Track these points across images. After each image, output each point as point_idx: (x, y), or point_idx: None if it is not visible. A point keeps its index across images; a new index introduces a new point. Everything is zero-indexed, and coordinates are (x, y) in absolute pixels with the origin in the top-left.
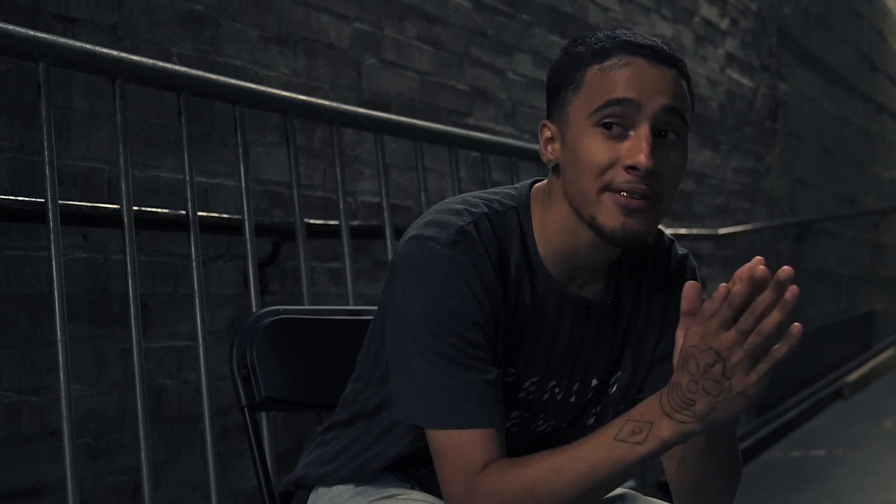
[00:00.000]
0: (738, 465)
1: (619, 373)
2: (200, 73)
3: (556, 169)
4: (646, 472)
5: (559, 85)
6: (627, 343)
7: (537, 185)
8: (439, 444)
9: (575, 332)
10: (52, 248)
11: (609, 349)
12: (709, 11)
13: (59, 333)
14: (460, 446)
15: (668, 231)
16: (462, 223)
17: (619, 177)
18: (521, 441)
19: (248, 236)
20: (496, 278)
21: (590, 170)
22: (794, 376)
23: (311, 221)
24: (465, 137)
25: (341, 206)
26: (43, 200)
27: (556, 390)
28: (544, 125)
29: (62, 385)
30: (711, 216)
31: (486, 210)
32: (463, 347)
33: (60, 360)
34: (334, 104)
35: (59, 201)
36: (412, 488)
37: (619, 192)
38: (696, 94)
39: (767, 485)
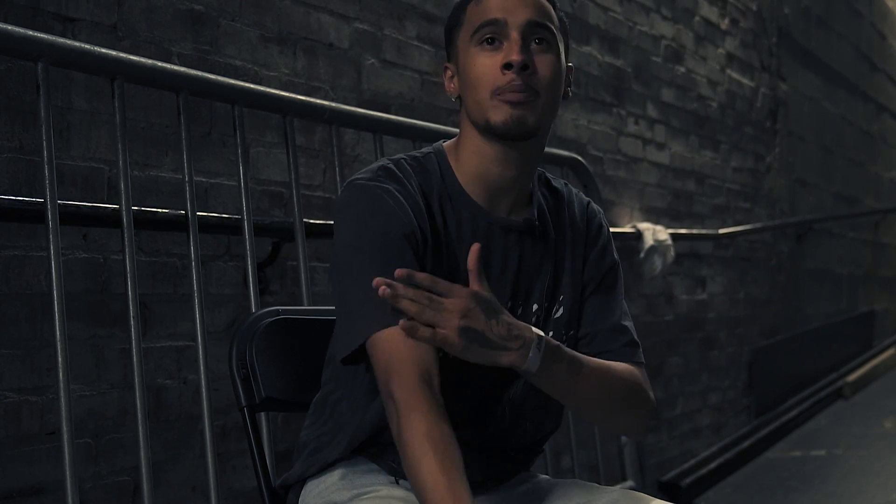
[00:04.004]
0: (615, 393)
1: (562, 296)
2: (200, 73)
3: (460, 102)
4: (645, 473)
5: (450, 29)
6: (561, 267)
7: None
8: (373, 352)
9: (510, 256)
10: (52, 248)
11: (545, 272)
12: (709, 11)
13: (58, 333)
14: (390, 343)
15: (669, 231)
16: (383, 163)
17: (500, 79)
18: (477, 374)
19: (247, 236)
20: (421, 203)
21: (479, 80)
22: (795, 376)
23: (311, 221)
24: None
25: None
26: (42, 200)
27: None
28: (446, 67)
29: (61, 385)
30: (711, 216)
31: (405, 156)
32: (389, 259)
33: (60, 360)
34: (334, 104)
35: (59, 201)
36: (397, 482)
37: (502, 93)
38: (695, 92)
39: (767, 485)
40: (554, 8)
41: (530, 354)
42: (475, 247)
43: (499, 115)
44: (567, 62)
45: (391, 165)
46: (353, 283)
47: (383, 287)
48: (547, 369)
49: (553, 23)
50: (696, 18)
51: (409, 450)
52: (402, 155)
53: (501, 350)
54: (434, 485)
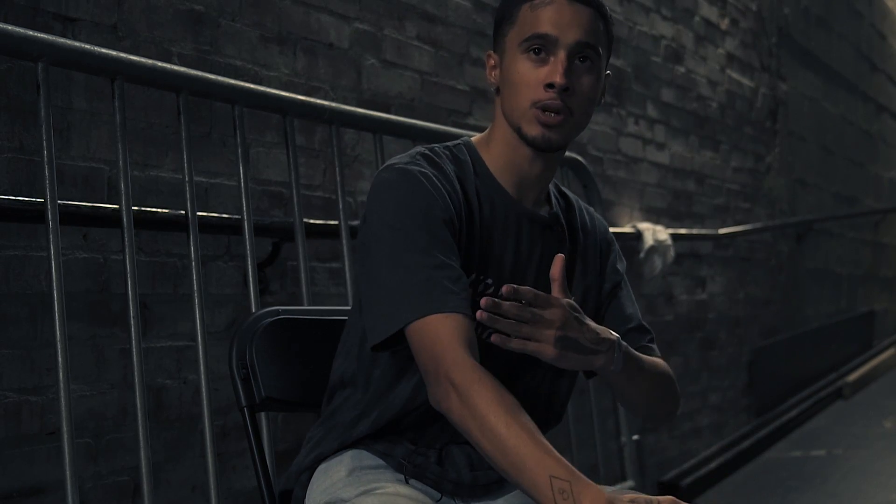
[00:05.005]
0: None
1: (572, 296)
2: (200, 73)
3: (498, 92)
4: (645, 473)
5: (501, 20)
6: (571, 268)
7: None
8: (417, 338)
9: (535, 247)
10: (52, 248)
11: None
12: (709, 11)
13: (58, 333)
14: (436, 329)
15: (669, 231)
16: (420, 149)
17: (541, 94)
18: (495, 356)
19: (247, 236)
20: (457, 187)
21: (519, 89)
22: (794, 376)
23: (311, 221)
24: None
25: (340, 206)
26: (42, 200)
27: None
28: (489, 55)
29: (61, 385)
30: (711, 216)
31: (438, 146)
32: (431, 242)
33: (60, 360)
34: (334, 104)
35: (59, 201)
36: (407, 481)
37: (541, 109)
38: (694, 92)
39: (767, 485)
40: (605, 22)
41: (615, 355)
42: (559, 257)
43: (532, 129)
44: (605, 71)
45: (428, 151)
46: (393, 265)
47: (479, 312)
48: (624, 367)
49: (601, 42)
50: (696, 18)
51: (487, 421)
52: (434, 145)
53: (593, 354)
54: (523, 444)
